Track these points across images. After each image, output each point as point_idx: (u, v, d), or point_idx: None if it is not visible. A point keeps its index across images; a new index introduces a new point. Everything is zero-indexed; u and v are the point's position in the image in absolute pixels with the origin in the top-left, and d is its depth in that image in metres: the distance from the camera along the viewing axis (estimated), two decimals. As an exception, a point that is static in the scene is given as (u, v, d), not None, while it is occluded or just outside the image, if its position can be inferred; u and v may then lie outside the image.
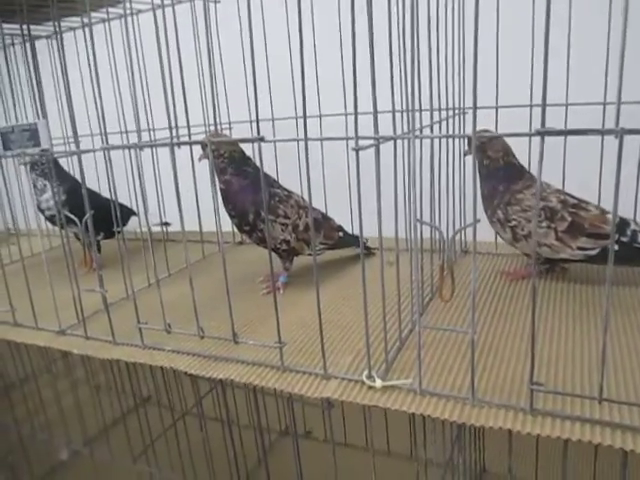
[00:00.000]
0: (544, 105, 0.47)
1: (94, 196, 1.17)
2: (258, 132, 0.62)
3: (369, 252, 1.07)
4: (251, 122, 1.18)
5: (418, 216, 0.56)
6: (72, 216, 0.82)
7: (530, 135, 0.48)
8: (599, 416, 0.54)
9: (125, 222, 1.24)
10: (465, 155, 0.99)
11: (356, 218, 0.62)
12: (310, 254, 0.97)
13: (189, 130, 0.71)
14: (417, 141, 0.57)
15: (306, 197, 1.02)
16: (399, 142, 0.63)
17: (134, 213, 1.26)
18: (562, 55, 0.93)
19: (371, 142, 0.58)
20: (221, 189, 0.92)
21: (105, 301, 0.82)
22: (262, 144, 0.62)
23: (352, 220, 1.09)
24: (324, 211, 1.05)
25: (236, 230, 1.25)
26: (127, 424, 1.23)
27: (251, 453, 1.26)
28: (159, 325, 0.79)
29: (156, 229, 1.29)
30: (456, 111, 0.96)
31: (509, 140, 0.93)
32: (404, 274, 0.67)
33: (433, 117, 0.83)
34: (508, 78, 0.99)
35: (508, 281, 0.94)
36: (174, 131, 0.71)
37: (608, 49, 0.90)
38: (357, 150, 0.56)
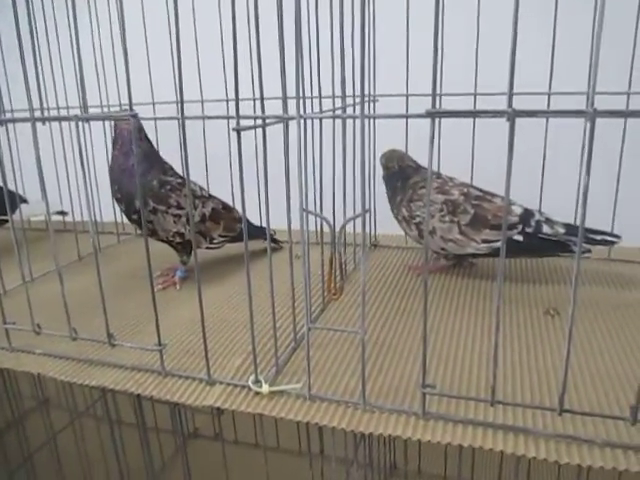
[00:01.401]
0: (433, 90, 0.43)
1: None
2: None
3: (277, 245, 1.02)
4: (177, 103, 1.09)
5: (304, 206, 0.51)
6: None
7: (420, 117, 0.44)
8: (492, 419, 0.52)
9: (12, 210, 1.12)
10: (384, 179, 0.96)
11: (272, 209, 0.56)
12: (209, 247, 0.90)
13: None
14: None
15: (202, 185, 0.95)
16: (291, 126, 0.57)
17: (24, 200, 1.15)
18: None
19: (255, 123, 0.52)
20: (109, 167, 0.84)
21: (-36, 299, 0.72)
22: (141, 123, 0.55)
23: (260, 212, 1.04)
24: (228, 201, 0.98)
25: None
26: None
27: (136, 454, 1.18)
28: (29, 325, 0.70)
29: (41, 218, 1.19)
30: (365, 98, 0.92)
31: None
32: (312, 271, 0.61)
33: (335, 104, 0.78)
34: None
35: (415, 276, 0.91)
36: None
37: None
38: (238, 130, 0.51)
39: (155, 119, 0.59)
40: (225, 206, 0.93)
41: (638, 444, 0.47)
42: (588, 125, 0.39)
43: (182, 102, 0.52)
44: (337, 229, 0.57)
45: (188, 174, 0.55)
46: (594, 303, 0.78)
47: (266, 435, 1.21)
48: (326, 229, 0.63)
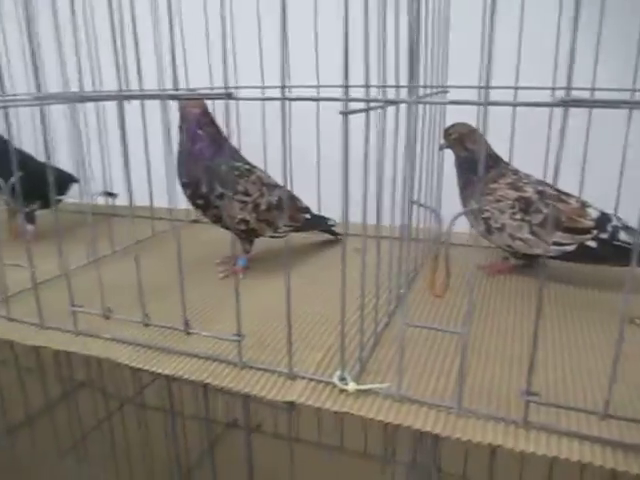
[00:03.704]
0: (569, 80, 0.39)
1: (25, 159, 1.03)
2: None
3: (336, 237, 0.99)
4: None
5: (412, 197, 0.47)
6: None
7: (550, 105, 0.41)
8: (599, 433, 0.48)
9: (64, 190, 1.11)
10: (440, 149, 0.92)
11: (327, 199, 0.53)
12: (272, 236, 0.87)
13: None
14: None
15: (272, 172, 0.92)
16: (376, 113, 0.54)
17: (75, 180, 1.13)
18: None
19: (361, 106, 0.49)
20: (178, 152, 0.81)
21: (34, 278, 0.70)
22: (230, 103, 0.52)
23: (319, 201, 1.01)
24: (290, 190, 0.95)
25: (191, 207, 1.15)
26: (54, 414, 1.10)
27: (194, 447, 1.16)
28: (97, 309, 0.68)
29: (100, 201, 1.17)
30: (438, 89, 0.88)
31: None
32: (374, 263, 0.58)
33: (419, 92, 0.75)
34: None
35: (485, 276, 0.88)
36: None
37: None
38: (346, 114, 0.48)
39: (247, 99, 0.56)
40: (291, 195, 0.90)
41: None
42: None
43: (283, 87, 0.50)
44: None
45: (285, 160, 0.52)
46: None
47: (304, 430, 1.19)
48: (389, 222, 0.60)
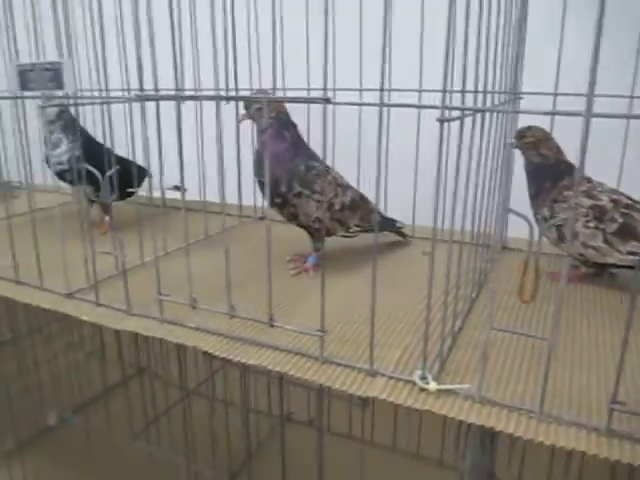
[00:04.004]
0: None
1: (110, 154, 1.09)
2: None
3: (404, 239, 1.00)
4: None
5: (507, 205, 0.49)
6: (95, 171, 0.74)
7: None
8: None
9: (140, 183, 1.15)
10: (514, 147, 0.92)
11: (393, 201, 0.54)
12: (344, 235, 0.90)
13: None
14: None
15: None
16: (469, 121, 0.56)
17: (148, 175, 1.17)
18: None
19: (457, 114, 0.51)
20: (256, 151, 0.85)
21: (124, 266, 0.75)
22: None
23: (386, 203, 1.03)
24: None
25: (259, 204, 1.19)
26: (129, 396, 1.16)
27: (255, 439, 1.20)
28: (181, 298, 0.72)
29: (172, 195, 1.21)
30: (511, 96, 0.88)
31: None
32: (442, 266, 0.59)
33: (494, 99, 0.76)
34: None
35: (554, 283, 0.87)
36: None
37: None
38: (442, 121, 0.49)
39: (345, 104, 0.58)
40: (362, 196, 0.92)
41: None
42: None
43: (382, 90, 0.51)
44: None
45: (379, 162, 0.54)
46: None
47: (363, 428, 1.21)
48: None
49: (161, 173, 0.75)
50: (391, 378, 0.59)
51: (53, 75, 0.71)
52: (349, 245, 0.97)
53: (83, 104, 0.72)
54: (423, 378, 0.57)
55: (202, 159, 1.10)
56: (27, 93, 0.75)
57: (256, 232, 1.14)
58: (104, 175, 0.75)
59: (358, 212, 0.90)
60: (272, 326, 0.66)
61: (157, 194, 1.25)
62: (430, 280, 0.55)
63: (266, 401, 1.24)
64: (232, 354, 0.64)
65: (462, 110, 0.51)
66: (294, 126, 0.85)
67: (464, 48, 0.52)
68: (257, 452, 1.21)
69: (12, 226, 0.84)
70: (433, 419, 0.54)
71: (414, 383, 0.57)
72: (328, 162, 0.98)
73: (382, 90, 0.51)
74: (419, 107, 0.53)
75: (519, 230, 0.98)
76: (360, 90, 1.01)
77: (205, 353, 0.66)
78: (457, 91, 0.53)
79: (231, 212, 1.20)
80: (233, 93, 1.07)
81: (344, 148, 1.01)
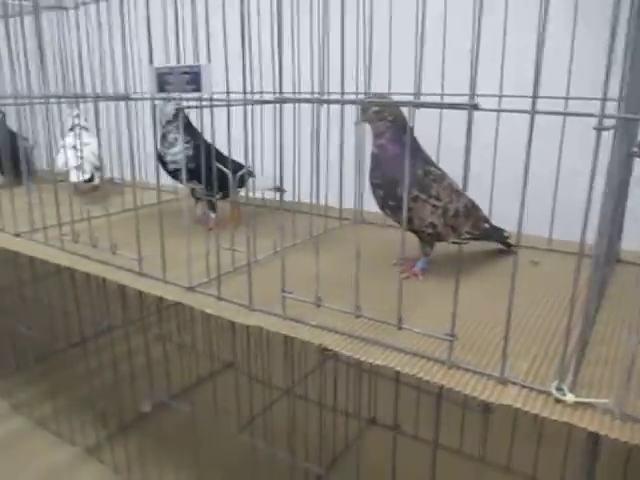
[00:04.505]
0: None
1: (218, 155, 1.13)
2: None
3: (509, 249, 0.99)
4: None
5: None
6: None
7: None
8: None
9: (244, 183, 1.20)
10: (637, 156, 0.89)
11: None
12: (454, 242, 0.90)
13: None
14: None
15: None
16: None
17: (252, 175, 1.22)
18: None
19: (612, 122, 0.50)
20: (372, 154, 0.86)
21: (249, 263, 0.78)
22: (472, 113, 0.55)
23: (490, 211, 1.02)
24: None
25: (371, 207, 1.19)
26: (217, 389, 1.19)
27: (340, 438, 1.22)
28: (300, 296, 0.74)
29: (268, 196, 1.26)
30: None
31: None
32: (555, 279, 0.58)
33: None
34: None
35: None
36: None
37: None
38: (600, 130, 0.49)
39: (495, 111, 0.58)
40: (474, 204, 0.92)
41: None
42: None
43: (535, 96, 0.51)
44: None
45: (528, 168, 0.54)
46: None
47: (447, 436, 1.20)
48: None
49: (281, 176, 0.77)
50: (523, 387, 0.58)
51: (191, 78, 0.75)
52: (451, 252, 0.97)
53: (219, 105, 0.75)
54: (559, 389, 0.56)
55: (311, 160, 1.12)
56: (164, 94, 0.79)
57: (357, 234, 1.16)
58: (225, 175, 0.79)
59: (470, 219, 0.89)
60: (400, 328, 0.66)
61: (257, 194, 1.30)
62: (574, 293, 0.54)
63: (352, 403, 1.25)
64: (357, 353, 0.65)
65: (618, 119, 0.51)
66: (411, 130, 0.86)
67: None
68: (342, 454, 1.23)
69: (126, 220, 0.88)
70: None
71: (549, 393, 0.56)
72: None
73: (535, 97, 0.51)
74: (569, 114, 0.53)
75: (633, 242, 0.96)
76: (500, 96, 1.00)
77: (325, 350, 0.68)
78: (612, 99, 0.52)
79: (329, 214, 1.22)
80: (338, 96, 1.10)
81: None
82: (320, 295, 0.74)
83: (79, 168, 1.33)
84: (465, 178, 0.57)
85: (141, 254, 0.88)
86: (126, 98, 0.84)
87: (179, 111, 1.11)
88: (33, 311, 1.46)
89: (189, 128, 1.12)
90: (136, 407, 1.31)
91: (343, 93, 1.10)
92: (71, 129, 1.50)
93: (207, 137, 0.84)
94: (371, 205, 1.14)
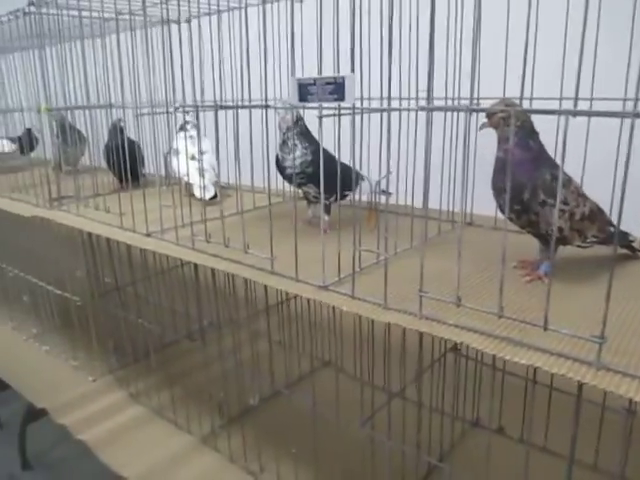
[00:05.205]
0: None
1: (332, 160, 1.18)
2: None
3: (634, 254, 0.98)
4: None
5: None
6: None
7: None
8: None
9: (355, 187, 1.24)
10: None
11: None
12: (579, 246, 0.90)
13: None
14: None
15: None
16: None
17: (362, 178, 1.26)
18: None
19: None
20: (497, 158, 0.88)
21: (385, 264, 0.82)
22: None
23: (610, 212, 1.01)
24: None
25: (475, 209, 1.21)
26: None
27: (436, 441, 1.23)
28: (435, 295, 0.77)
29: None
30: None
31: None
32: None
33: None
34: None
35: None
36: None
37: None
38: None
39: (609, 115, 0.60)
40: (599, 207, 0.92)
41: None
42: None
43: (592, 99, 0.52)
44: None
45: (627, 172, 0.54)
46: None
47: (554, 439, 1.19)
48: None
49: (396, 180, 0.80)
50: (679, 390, 0.59)
51: (334, 88, 0.80)
52: (568, 255, 0.97)
53: (360, 113, 0.80)
54: None
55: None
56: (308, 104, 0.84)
57: (465, 238, 1.17)
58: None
59: (596, 223, 0.90)
60: (546, 329, 0.68)
61: (364, 197, 1.34)
62: None
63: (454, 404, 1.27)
64: (502, 352, 0.68)
65: None
66: (537, 134, 0.88)
67: None
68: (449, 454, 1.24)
69: (247, 221, 0.94)
70: None
71: None
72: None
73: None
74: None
75: None
76: (590, 99, 1.00)
77: (455, 349, 0.71)
78: None
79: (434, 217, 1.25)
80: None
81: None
82: (434, 294, 0.76)
83: (202, 187, 1.37)
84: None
85: (274, 254, 0.94)
86: (266, 106, 0.90)
87: (299, 119, 1.18)
88: (148, 307, 1.56)
89: (307, 135, 1.18)
90: (244, 400, 1.38)
91: (446, 98, 1.13)
92: (181, 128, 1.57)
93: (329, 144, 0.88)
94: (476, 207, 1.16)
